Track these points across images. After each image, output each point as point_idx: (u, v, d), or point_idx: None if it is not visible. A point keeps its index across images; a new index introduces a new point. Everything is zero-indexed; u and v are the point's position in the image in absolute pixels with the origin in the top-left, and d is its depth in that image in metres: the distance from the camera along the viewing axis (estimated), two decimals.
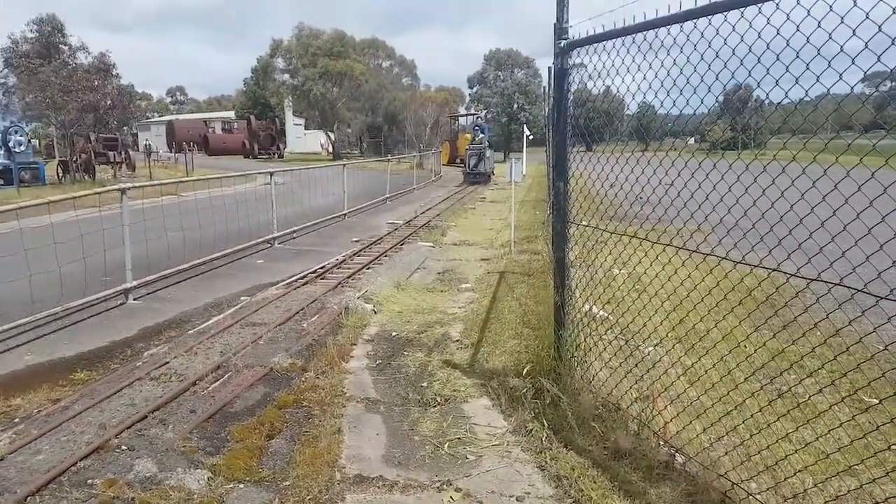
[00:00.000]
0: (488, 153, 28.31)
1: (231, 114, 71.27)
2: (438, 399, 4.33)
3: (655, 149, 3.52)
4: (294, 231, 11.70)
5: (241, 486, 3.31)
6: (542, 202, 15.26)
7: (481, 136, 29.76)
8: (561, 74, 3.79)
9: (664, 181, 3.11)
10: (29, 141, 23.42)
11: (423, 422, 4.01)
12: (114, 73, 27.29)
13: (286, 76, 52.92)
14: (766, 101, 2.63)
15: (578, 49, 3.69)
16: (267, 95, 59.47)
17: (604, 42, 3.42)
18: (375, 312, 6.63)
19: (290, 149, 59.72)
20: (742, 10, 2.54)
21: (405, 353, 5.34)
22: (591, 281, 3.86)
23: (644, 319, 3.58)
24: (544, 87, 20.13)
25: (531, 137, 26.81)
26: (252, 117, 55.55)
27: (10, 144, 21.63)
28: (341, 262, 9.38)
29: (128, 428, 3.88)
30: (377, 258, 9.70)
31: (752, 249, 2.71)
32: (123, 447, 3.67)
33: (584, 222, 3.88)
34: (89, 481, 3.30)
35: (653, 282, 3.40)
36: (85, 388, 4.67)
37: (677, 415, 3.31)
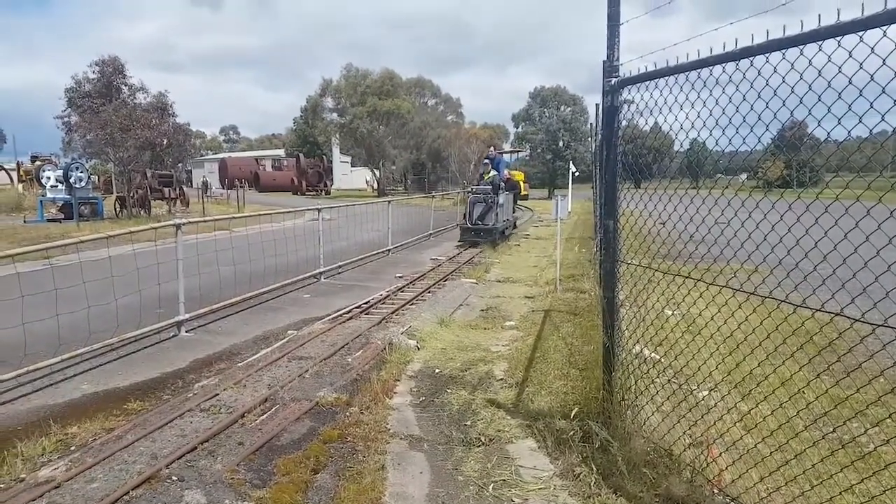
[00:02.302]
0: (501, 199, 17.03)
1: (281, 152, 73.53)
2: (482, 439, 4.26)
3: (707, 186, 3.46)
4: (340, 266, 11.86)
5: None
6: (588, 240, 15.11)
7: (492, 172, 17.65)
8: (611, 112, 3.79)
9: (719, 220, 3.05)
10: (89, 177, 24.51)
11: (467, 462, 3.95)
12: (170, 111, 28.54)
13: (334, 115, 54.48)
14: (827, 140, 2.57)
15: (629, 87, 3.69)
16: (315, 134, 61.21)
17: (655, 80, 3.42)
18: (419, 348, 6.62)
19: (336, 185, 61.07)
20: (801, 47, 2.52)
21: (448, 390, 5.30)
22: (641, 322, 3.78)
23: (698, 363, 3.47)
24: (591, 124, 20.12)
25: (577, 174, 24.83)
26: (301, 155, 57.18)
27: (72, 180, 22.70)
28: (385, 298, 9.45)
29: (178, 459, 3.95)
30: (420, 294, 9.74)
31: (814, 293, 2.62)
32: (174, 477, 3.73)
33: (634, 261, 3.82)
34: None
35: (708, 324, 3.31)
36: (138, 418, 4.78)
37: (733, 462, 3.17)
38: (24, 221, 21.85)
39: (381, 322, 7.86)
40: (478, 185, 17.38)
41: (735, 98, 2.93)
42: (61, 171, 23.37)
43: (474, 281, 11.03)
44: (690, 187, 3.58)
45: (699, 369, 3.47)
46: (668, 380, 3.72)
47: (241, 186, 33.88)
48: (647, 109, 3.54)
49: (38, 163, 31.89)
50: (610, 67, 3.78)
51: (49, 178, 23.55)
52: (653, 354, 3.95)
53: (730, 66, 2.92)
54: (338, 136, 56.01)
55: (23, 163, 44.06)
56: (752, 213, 2.91)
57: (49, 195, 23.40)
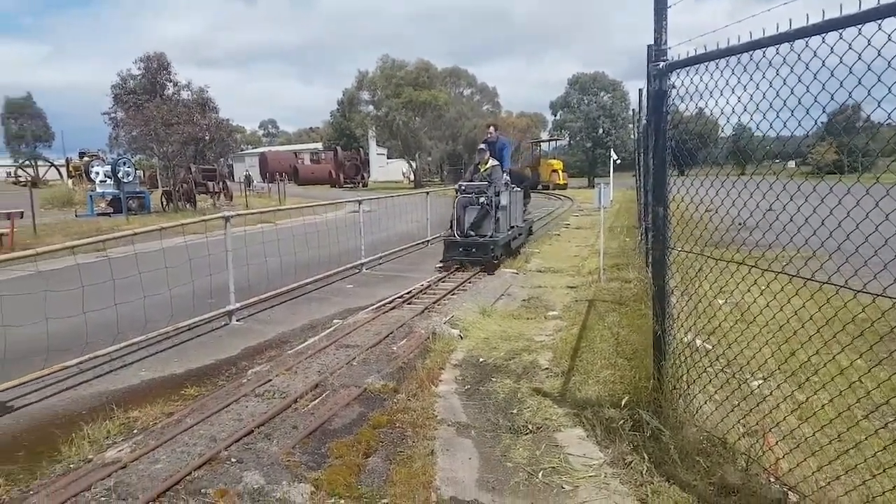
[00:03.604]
0: (505, 199, 11.43)
1: (319, 145, 74.40)
2: (530, 427, 4.29)
3: (753, 172, 3.40)
4: (380, 257, 11.99)
5: (342, 501, 3.40)
6: (632, 228, 14.92)
7: (492, 162, 11.70)
8: (659, 96, 3.75)
9: (773, 205, 3.01)
10: (136, 171, 25.20)
11: (516, 449, 3.99)
12: (211, 107, 29.18)
13: (371, 107, 54.82)
14: (888, 122, 2.50)
15: (678, 71, 3.65)
16: (352, 126, 61.78)
17: (706, 63, 3.37)
18: (462, 338, 6.67)
19: (373, 177, 61.51)
20: (859, 27, 2.46)
21: (493, 379, 5.34)
22: (693, 311, 3.75)
23: (751, 352, 3.44)
24: (633, 110, 17.75)
25: (618, 162, 23.55)
26: (338, 148, 57.81)
27: (120, 175, 23.38)
28: (426, 288, 9.53)
29: (236, 441, 4.09)
30: (461, 284, 9.78)
31: (875, 277, 2.57)
32: (233, 459, 3.87)
33: (684, 248, 3.79)
34: (203, 490, 3.49)
35: (762, 312, 3.27)
36: (195, 402, 4.96)
37: (790, 451, 3.13)
38: (76, 216, 22.64)
39: (423, 312, 7.94)
40: (470, 181, 11.62)
41: (789, 80, 2.87)
42: (109, 166, 24.05)
43: (515, 271, 11.02)
44: (738, 174, 3.52)
45: (753, 358, 3.43)
46: (721, 369, 3.68)
47: (281, 180, 34.46)
48: (690, 94, 3.51)
49: (86, 158, 32.96)
50: (657, 51, 3.74)
51: (98, 173, 24.31)
52: (704, 343, 3.91)
53: (783, 48, 2.87)
54: (374, 128, 56.40)
55: (71, 159, 45.56)
56: (808, 197, 2.86)
57: (98, 190, 24.17)
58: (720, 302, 3.83)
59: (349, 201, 14.11)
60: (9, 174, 65.88)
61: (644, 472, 3.46)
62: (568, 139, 67.13)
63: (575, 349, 5.87)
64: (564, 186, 48.05)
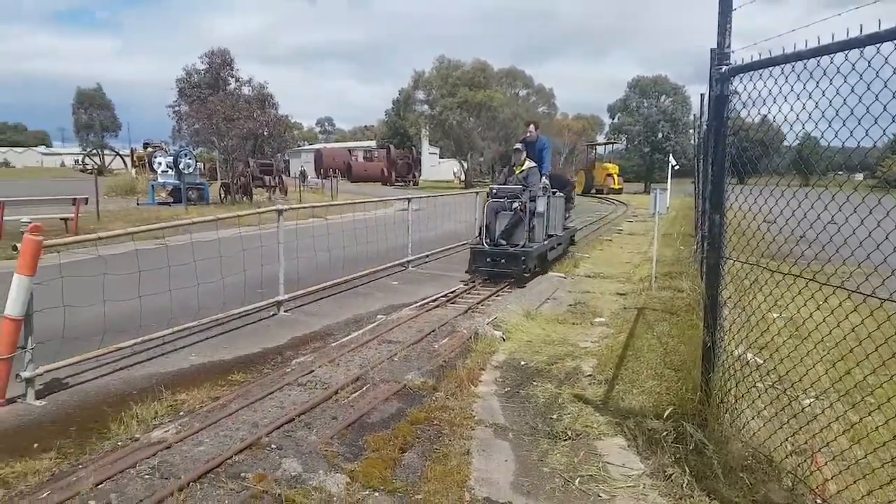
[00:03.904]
0: (542, 205, 10.15)
1: (372, 143, 75.30)
2: (569, 433, 4.23)
3: (819, 184, 3.26)
4: (427, 255, 12.04)
5: (377, 494, 3.43)
6: (688, 237, 14.55)
7: (528, 164, 10.56)
8: (720, 101, 3.64)
9: (835, 217, 2.87)
10: (196, 164, 26.01)
11: (553, 454, 3.94)
12: (271, 103, 29.86)
13: (425, 107, 55.14)
14: None
15: (740, 76, 3.54)
16: (406, 126, 62.26)
17: (769, 68, 3.26)
18: (504, 340, 6.64)
19: (424, 176, 61.88)
20: None
21: (534, 382, 5.29)
22: (745, 323, 3.63)
23: (804, 368, 3.30)
24: (694, 115, 16.91)
25: (676, 167, 22.73)
26: (391, 146, 58.34)
27: (181, 166, 24.15)
28: (471, 288, 9.51)
29: (277, 428, 4.17)
30: (506, 286, 9.72)
31: None
32: (273, 446, 3.95)
33: (739, 258, 3.66)
34: (242, 474, 3.57)
35: (817, 328, 3.13)
36: (241, 388, 5.08)
37: (839, 472, 2.99)
38: (137, 204, 23.55)
39: (466, 311, 7.93)
40: (504, 184, 10.61)
41: (858, 88, 2.74)
42: (171, 157, 24.92)
43: (563, 275, 10.89)
44: (801, 184, 3.38)
45: (805, 375, 3.29)
46: (771, 384, 3.55)
47: (334, 176, 35.03)
48: (752, 100, 3.40)
49: (150, 149, 34.32)
50: (720, 55, 3.63)
51: (160, 163, 25.20)
52: (755, 358, 3.78)
53: (852, 55, 2.74)
54: (427, 127, 56.70)
55: (136, 149, 47.48)
56: (873, 210, 2.71)
57: (160, 180, 25.05)
58: (774, 315, 3.69)
59: (398, 199, 14.22)
60: (77, 162, 69.10)
61: (685, 486, 3.37)
62: (625, 143, 66.00)
63: (620, 357, 5.75)
64: (619, 191, 47.30)
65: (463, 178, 56.04)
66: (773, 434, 3.33)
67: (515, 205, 9.82)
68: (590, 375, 5.44)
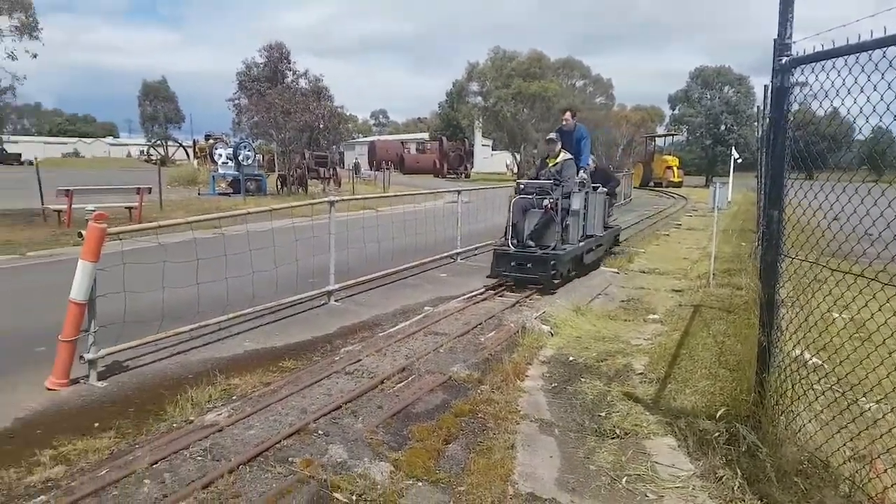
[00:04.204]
0: (577, 202, 9.16)
1: (425, 135, 75.57)
2: (617, 431, 4.14)
3: (893, 179, 3.07)
4: (476, 248, 12.00)
5: (420, 483, 3.44)
6: (749, 232, 14.06)
7: (563, 156, 9.48)
8: (780, 93, 3.48)
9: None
10: (255, 155, 26.69)
11: (600, 452, 3.87)
12: (326, 96, 30.27)
13: (479, 98, 54.88)
14: None
15: (802, 67, 3.37)
16: (459, 117, 62.11)
17: (833, 59, 3.09)
18: (552, 335, 6.56)
19: (476, 168, 61.73)
20: None
21: (582, 379, 5.21)
22: (803, 323, 3.47)
23: (866, 371, 3.13)
24: (758, 107, 15.99)
25: (739, 161, 21.77)
26: (444, 138, 58.45)
27: (240, 158, 24.84)
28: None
29: (324, 415, 4.25)
30: None
31: None
32: (320, 432, 4.03)
33: (798, 256, 3.50)
34: (290, 459, 3.65)
35: (879, 329, 2.97)
36: (291, 375, 5.19)
37: None
38: (199, 194, 24.37)
39: (514, 305, 7.88)
40: (535, 178, 9.75)
41: None
42: (231, 149, 25.65)
43: (616, 270, 10.68)
44: (870, 180, 3.20)
45: (866, 378, 3.13)
46: (830, 387, 3.38)
47: (386, 168, 35.35)
48: (814, 93, 3.24)
49: (211, 141, 35.34)
50: (781, 45, 3.47)
51: (221, 155, 25.99)
52: (814, 359, 3.61)
53: None
54: (480, 119, 56.46)
55: (198, 141, 49.03)
56: None
57: (220, 171, 25.84)
58: (835, 315, 3.52)
59: (448, 191, 14.22)
60: (142, 152, 71.90)
61: (735, 489, 3.26)
62: (686, 135, 64.13)
63: (674, 356, 5.60)
64: (679, 184, 46.07)
65: (516, 170, 55.60)
66: (831, 438, 3.19)
67: (546, 202, 8.82)
68: (641, 373, 5.32)
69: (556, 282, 8.67)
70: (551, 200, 8.78)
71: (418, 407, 4.55)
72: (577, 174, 9.49)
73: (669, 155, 50.34)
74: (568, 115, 10.18)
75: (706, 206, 18.74)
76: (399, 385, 4.94)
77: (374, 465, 3.58)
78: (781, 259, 3.51)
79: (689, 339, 6.11)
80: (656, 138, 53.86)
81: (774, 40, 3.59)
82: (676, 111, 64.52)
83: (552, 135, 9.73)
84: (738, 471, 3.36)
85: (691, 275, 10.16)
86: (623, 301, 8.40)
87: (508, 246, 8.88)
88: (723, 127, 59.87)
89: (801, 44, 3.36)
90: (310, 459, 3.62)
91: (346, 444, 3.83)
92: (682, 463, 3.66)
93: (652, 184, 46.56)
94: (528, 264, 8.65)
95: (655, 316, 7.50)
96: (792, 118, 3.49)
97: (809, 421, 3.35)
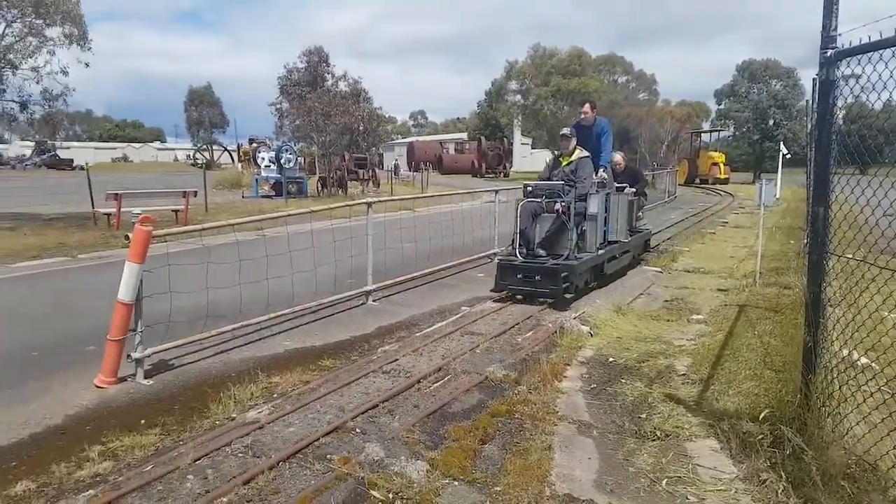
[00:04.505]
0: (594, 205, 8.22)
1: (464, 135, 75.61)
2: (658, 433, 4.07)
3: None
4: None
5: (456, 483, 3.45)
6: (798, 230, 13.63)
7: (578, 153, 8.47)
8: (826, 87, 3.37)
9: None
10: (296, 158, 27.17)
11: (640, 454, 3.81)
12: (365, 98, 30.63)
13: (518, 97, 54.64)
14: None
15: (849, 59, 3.26)
16: (498, 116, 61.93)
17: (881, 51, 2.97)
18: (592, 335, 6.47)
19: (515, 168, 61.42)
20: None
21: (623, 380, 5.13)
22: (851, 322, 3.34)
23: None
24: (807, 101, 15.10)
25: (788, 156, 20.99)
26: (482, 138, 58.31)
27: (282, 161, 25.34)
28: None
29: (362, 413, 4.29)
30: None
31: None
32: (357, 430, 4.07)
33: (845, 254, 3.38)
34: (328, 456, 3.70)
35: None
36: (329, 374, 5.26)
37: None
38: (243, 197, 24.95)
39: (552, 305, 7.80)
40: (548, 179, 8.66)
41: None
42: (273, 152, 26.19)
43: (659, 269, 10.49)
44: None
45: None
46: (879, 388, 3.26)
47: (425, 169, 35.50)
48: (861, 86, 3.12)
49: (254, 145, 36.16)
50: (826, 38, 3.36)
51: (264, 158, 26.60)
52: (863, 359, 3.48)
53: None
54: (520, 117, 56.18)
55: (242, 144, 50.13)
56: None
57: (263, 174, 26.41)
58: (885, 313, 3.38)
59: (486, 191, 14.18)
60: (188, 157, 73.90)
61: (780, 492, 3.17)
62: (732, 130, 62.56)
63: (717, 357, 5.47)
64: (726, 181, 45.00)
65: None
66: (880, 441, 3.07)
67: (557, 205, 7.82)
68: (683, 374, 5.21)
69: (568, 296, 7.64)
70: (563, 203, 7.81)
71: (454, 407, 4.55)
72: (597, 173, 8.68)
73: (715, 151, 49.22)
74: (587, 107, 9.27)
75: (753, 204, 18.23)
76: (435, 385, 4.96)
77: (411, 463, 3.60)
78: (827, 257, 3.39)
79: (734, 339, 5.96)
80: (702, 134, 52.71)
81: (821, 32, 3.47)
82: (723, 106, 63.09)
83: (566, 130, 8.72)
84: (783, 474, 3.27)
85: (737, 274, 9.91)
86: (666, 301, 8.24)
87: (516, 255, 7.92)
88: (771, 122, 58.20)
89: (849, 35, 3.25)
90: (347, 457, 3.66)
91: (382, 443, 3.86)
92: (724, 465, 3.57)
93: (697, 181, 45.59)
94: (537, 277, 7.59)
95: (699, 316, 7.33)
96: (839, 112, 3.37)
97: (857, 423, 3.23)
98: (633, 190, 10.46)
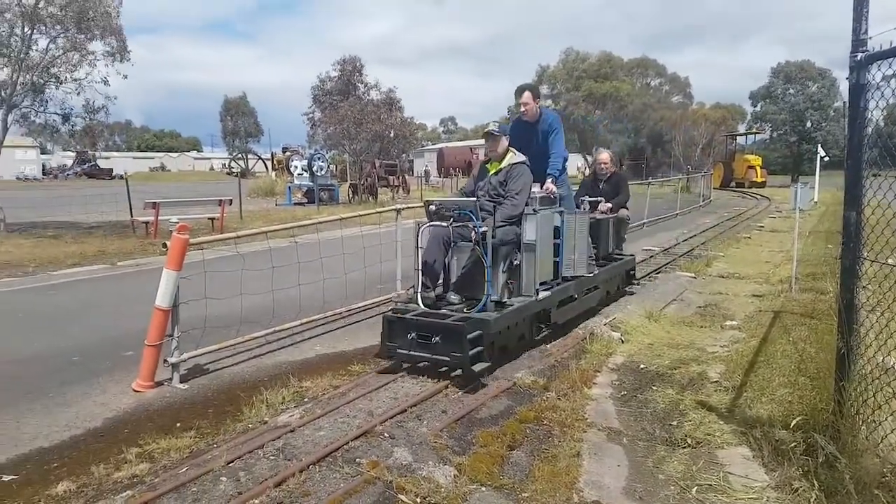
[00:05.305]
0: (531, 230, 5.86)
1: None
2: (689, 441, 4.02)
3: None
4: None
5: (483, 488, 3.46)
6: (837, 234, 13.27)
7: (511, 159, 6.05)
8: (856, 91, 3.32)
9: None
10: (328, 166, 27.59)
11: (670, 461, 3.77)
12: (397, 106, 30.89)
13: (549, 101, 54.51)
14: None
15: (880, 63, 3.21)
16: None
17: None
18: (623, 341, 6.41)
19: None
20: None
21: (654, 387, 5.08)
22: (886, 327, 3.27)
23: None
24: (843, 103, 14.78)
25: (827, 159, 20.23)
26: None
27: (314, 169, 25.76)
28: None
29: (390, 418, 4.34)
30: (628, 285, 9.38)
31: None
32: (386, 434, 4.11)
33: (878, 259, 3.31)
34: (357, 460, 3.75)
35: None
36: (359, 378, 5.32)
37: None
38: (276, 204, 25.43)
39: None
40: (472, 193, 6.36)
41: None
42: (306, 161, 26.63)
43: (692, 275, 10.33)
44: None
45: None
46: None
47: (454, 174, 35.61)
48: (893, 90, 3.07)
49: (287, 153, 36.78)
50: (856, 41, 3.31)
51: (296, 167, 27.08)
52: None
53: None
54: None
55: (276, 153, 51.01)
56: None
57: (296, 182, 26.88)
58: None
59: None
60: (224, 165, 75.44)
61: (812, 501, 3.11)
62: (769, 133, 61.37)
63: (751, 363, 5.38)
64: (762, 184, 44.12)
65: (587, 172, 54.82)
66: None
67: (475, 234, 5.38)
68: (716, 381, 5.14)
69: (481, 367, 5.00)
70: (476, 232, 5.36)
71: (482, 412, 4.56)
72: (547, 185, 6.48)
73: (751, 154, 48.30)
74: (527, 96, 6.81)
75: (789, 207, 17.83)
76: (463, 390, 4.97)
77: (439, 468, 3.62)
78: (860, 262, 3.33)
79: (768, 346, 5.85)
80: (737, 137, 51.80)
81: (852, 35, 3.42)
82: (758, 108, 62.00)
83: (492, 125, 6.20)
84: (816, 482, 3.21)
85: (773, 279, 9.71)
86: (700, 307, 8.12)
87: (417, 302, 5.63)
88: (808, 123, 57.01)
89: (880, 38, 3.20)
90: (376, 461, 3.71)
91: (410, 447, 3.90)
92: (756, 473, 3.52)
93: (733, 184, 44.78)
94: (435, 337, 5.08)
95: (733, 322, 7.21)
96: (880, 114, 3.32)
97: (892, 431, 3.16)
98: (610, 206, 8.29)
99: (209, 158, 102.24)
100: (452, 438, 4.10)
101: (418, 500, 3.30)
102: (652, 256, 12.47)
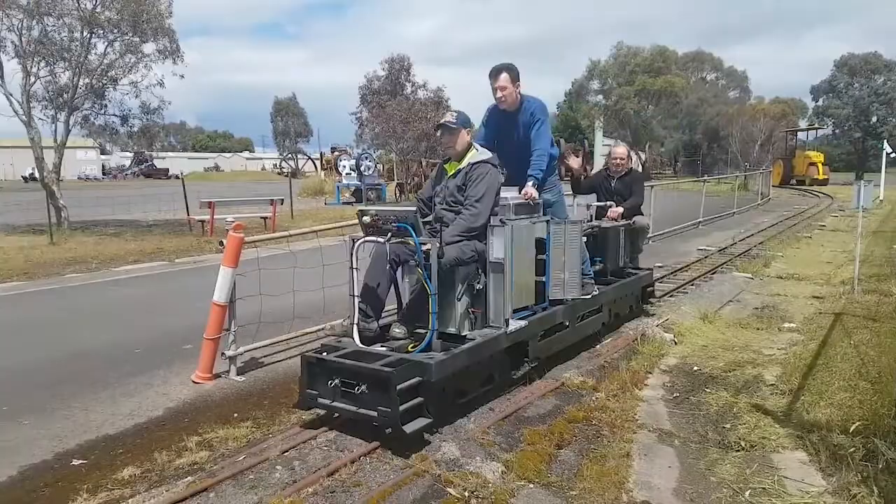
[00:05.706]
0: (498, 247, 4.53)
1: None
2: (743, 444, 3.94)
3: None
4: None
5: (531, 485, 3.48)
6: None
7: (473, 157, 4.73)
8: None
9: None
10: (375, 165, 27.95)
11: (723, 464, 3.71)
12: (445, 105, 31.02)
13: (599, 97, 53.71)
14: None
15: None
16: (578, 117, 61.02)
17: None
18: (675, 343, 6.30)
19: (597, 169, 60.18)
20: None
21: (707, 389, 4.98)
22: None
23: None
24: None
25: (893, 156, 19.13)
26: (562, 140, 57.56)
27: (362, 168, 26.14)
28: None
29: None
30: (681, 286, 9.21)
31: None
32: (434, 429, 4.15)
33: None
34: (406, 453, 3.82)
35: None
36: None
37: None
38: (325, 204, 25.92)
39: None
40: (428, 199, 5.14)
41: None
42: (354, 160, 27.04)
43: (749, 276, 10.04)
44: None
45: None
46: None
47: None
48: None
49: (336, 153, 37.38)
50: None
51: (345, 166, 27.50)
52: None
53: None
54: (601, 118, 55.22)
55: (325, 153, 51.88)
56: None
57: (344, 181, 27.33)
58: None
59: (566, 194, 14.01)
60: (275, 166, 77.27)
61: None
62: (832, 128, 58.97)
63: (809, 366, 5.22)
64: (824, 182, 42.44)
65: (640, 170, 53.78)
66: None
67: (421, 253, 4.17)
68: (772, 385, 5.01)
69: (420, 424, 3.91)
70: (409, 253, 4.42)
71: (530, 411, 4.57)
72: (526, 189, 5.17)
73: (813, 150, 46.52)
74: (503, 79, 5.31)
75: (853, 206, 17.08)
76: (511, 388, 4.98)
77: (486, 464, 3.66)
78: None
79: (828, 349, 5.66)
80: (798, 133, 49.96)
81: None
82: (820, 103, 59.55)
83: (448, 116, 4.96)
84: (875, 489, 3.11)
85: (834, 280, 9.36)
86: (756, 308, 7.90)
87: (352, 336, 4.47)
88: (874, 118, 54.43)
89: None
90: (424, 455, 3.77)
91: (458, 443, 3.94)
92: (812, 478, 3.43)
93: (794, 182, 43.25)
94: (361, 386, 3.93)
95: (792, 325, 6.99)
96: None
97: None
98: (620, 211, 7.16)
99: (261, 158, 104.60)
100: (500, 435, 4.13)
101: (466, 493, 3.34)
102: (707, 256, 12.17)
